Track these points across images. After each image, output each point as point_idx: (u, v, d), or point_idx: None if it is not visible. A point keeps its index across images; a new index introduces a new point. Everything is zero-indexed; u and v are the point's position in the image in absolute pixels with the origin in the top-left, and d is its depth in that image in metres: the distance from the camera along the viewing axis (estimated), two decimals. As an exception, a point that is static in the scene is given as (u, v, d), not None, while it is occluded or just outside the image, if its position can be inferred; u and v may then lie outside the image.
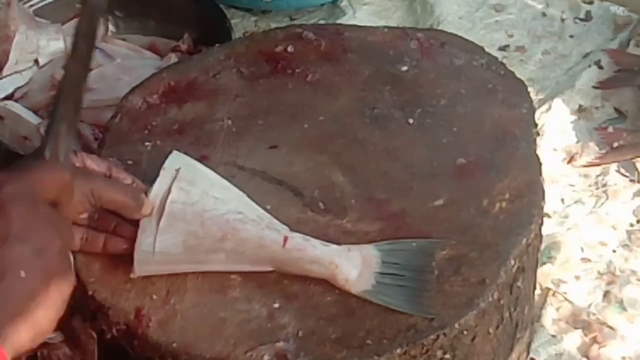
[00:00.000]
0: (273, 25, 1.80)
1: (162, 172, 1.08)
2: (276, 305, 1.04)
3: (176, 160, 1.09)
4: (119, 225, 1.06)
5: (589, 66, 1.72)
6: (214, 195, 1.06)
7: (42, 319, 0.85)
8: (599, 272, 1.44)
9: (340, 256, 1.06)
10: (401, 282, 1.05)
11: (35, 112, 1.58)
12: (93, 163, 1.07)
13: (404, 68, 1.32)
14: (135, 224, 1.05)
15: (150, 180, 1.09)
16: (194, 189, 1.06)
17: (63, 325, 0.94)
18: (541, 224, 1.18)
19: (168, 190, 1.05)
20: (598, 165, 1.58)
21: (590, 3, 1.87)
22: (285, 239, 1.05)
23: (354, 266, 1.05)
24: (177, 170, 1.07)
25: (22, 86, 1.64)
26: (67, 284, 0.88)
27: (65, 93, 1.02)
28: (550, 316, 1.37)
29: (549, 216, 1.48)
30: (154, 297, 1.05)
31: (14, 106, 1.57)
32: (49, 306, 0.86)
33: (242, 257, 1.05)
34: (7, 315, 0.80)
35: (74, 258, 1.04)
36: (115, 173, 1.08)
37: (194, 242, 1.04)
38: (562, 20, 1.84)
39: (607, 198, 1.53)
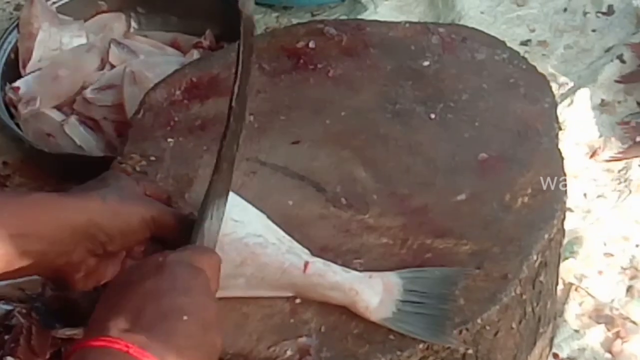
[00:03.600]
0: (294, 21, 1.80)
1: None
2: (298, 301, 1.05)
3: None
4: None
5: (612, 60, 1.72)
6: (233, 218, 1.03)
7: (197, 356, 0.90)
8: (621, 267, 1.43)
9: (361, 283, 1.04)
10: (422, 309, 1.03)
11: (59, 109, 1.59)
12: (154, 191, 1.08)
13: (426, 63, 1.32)
14: None
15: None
16: None
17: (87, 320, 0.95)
18: (563, 219, 1.18)
19: None
20: (621, 159, 1.57)
21: (613, -3, 1.86)
22: (306, 264, 1.04)
23: (375, 293, 1.04)
24: None
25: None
26: (218, 339, 0.91)
27: (217, 186, 1.02)
28: (573, 311, 1.37)
29: (571, 210, 1.47)
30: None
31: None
32: (204, 352, 0.89)
33: (262, 283, 1.04)
34: (169, 347, 0.85)
35: None
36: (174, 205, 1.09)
37: None
38: (584, 14, 1.84)
39: (630, 192, 1.52)
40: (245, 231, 1.03)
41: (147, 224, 1.01)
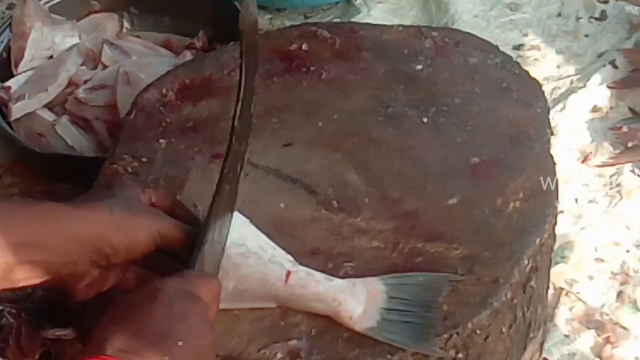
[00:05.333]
0: (288, 23, 1.80)
1: None
2: (288, 303, 1.05)
3: None
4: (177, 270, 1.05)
5: (604, 66, 1.72)
6: None
7: None
8: (612, 272, 1.43)
9: (344, 292, 1.03)
10: (407, 318, 1.03)
11: (50, 109, 1.59)
12: (159, 198, 1.06)
13: (419, 67, 1.32)
14: None
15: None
16: None
17: (76, 321, 0.95)
18: (555, 224, 1.18)
19: None
20: (612, 165, 1.58)
21: (606, 2, 1.86)
22: (288, 274, 1.03)
23: (358, 302, 1.03)
24: None
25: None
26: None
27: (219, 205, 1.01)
28: (563, 316, 1.37)
29: (562, 214, 1.47)
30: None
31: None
32: None
33: (245, 294, 1.03)
34: None
35: None
36: (179, 210, 1.07)
37: None
38: (577, 19, 1.84)
39: (621, 198, 1.53)
40: (229, 240, 1.03)
41: (153, 238, 1.00)
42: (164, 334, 0.88)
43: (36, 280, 0.96)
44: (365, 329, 1.02)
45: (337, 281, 1.04)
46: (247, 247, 1.03)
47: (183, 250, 1.01)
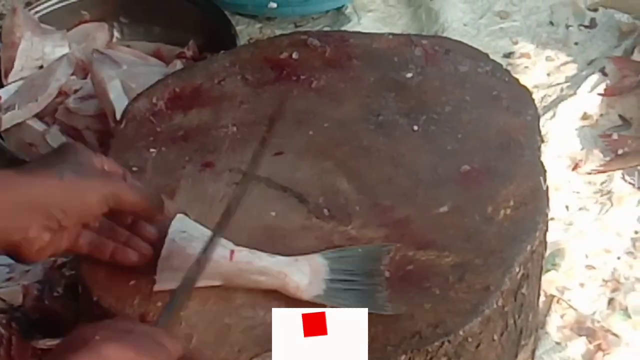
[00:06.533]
0: (278, 32, 1.80)
1: None
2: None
3: None
4: (130, 239, 1.08)
5: (594, 73, 1.72)
6: None
7: None
8: (603, 280, 1.43)
9: (288, 266, 1.05)
10: (351, 286, 1.06)
11: (40, 118, 1.58)
12: (111, 166, 1.07)
13: (409, 75, 1.32)
14: (146, 238, 1.08)
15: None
16: None
17: (67, 331, 0.94)
18: (546, 231, 1.18)
19: None
20: (603, 172, 1.58)
21: (595, 10, 1.87)
22: (232, 252, 1.05)
23: (303, 274, 1.05)
24: None
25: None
26: None
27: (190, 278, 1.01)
28: (554, 323, 1.37)
29: (553, 221, 1.47)
30: (159, 303, 1.05)
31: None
32: None
33: None
34: None
35: (81, 261, 1.07)
36: (130, 180, 1.08)
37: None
38: (567, 27, 1.84)
39: (612, 205, 1.53)
40: (171, 229, 1.06)
41: (105, 200, 1.02)
42: None
43: None
44: (313, 296, 1.04)
45: (280, 257, 1.06)
46: (189, 234, 1.06)
47: (138, 213, 1.05)
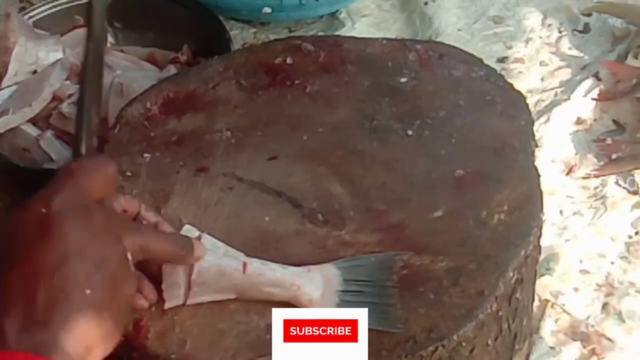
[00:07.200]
0: (272, 37, 1.80)
1: None
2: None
3: None
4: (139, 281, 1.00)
5: (588, 78, 1.72)
6: None
7: (112, 328, 0.84)
8: (597, 284, 1.43)
9: (301, 277, 1.05)
10: (364, 298, 1.05)
11: (34, 124, 1.58)
12: (129, 205, 1.02)
13: (403, 80, 1.32)
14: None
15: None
16: None
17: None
18: (540, 236, 1.18)
19: None
20: (597, 177, 1.58)
21: (589, 15, 1.87)
22: (244, 264, 1.04)
23: (316, 286, 1.04)
24: None
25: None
26: (131, 286, 0.86)
27: (87, 81, 0.97)
28: (548, 328, 1.37)
29: (546, 224, 1.47)
30: (153, 308, 1.04)
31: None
32: (118, 315, 0.85)
33: (204, 288, 1.04)
34: (79, 338, 0.79)
35: None
36: (144, 211, 1.03)
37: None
38: (561, 32, 1.84)
39: (606, 210, 1.53)
40: None
41: (135, 254, 0.93)
42: (66, 286, 0.78)
43: None
44: None
45: (292, 268, 1.06)
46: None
47: (173, 260, 1.00)
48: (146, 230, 1.00)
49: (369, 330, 1.01)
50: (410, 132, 1.25)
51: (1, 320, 0.77)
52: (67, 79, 1.63)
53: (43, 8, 1.75)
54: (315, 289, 1.04)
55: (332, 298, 1.04)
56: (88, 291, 0.80)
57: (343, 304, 1.04)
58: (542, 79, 1.76)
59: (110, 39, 1.77)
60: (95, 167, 0.90)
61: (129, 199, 1.05)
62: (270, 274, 1.04)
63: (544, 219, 1.18)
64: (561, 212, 1.53)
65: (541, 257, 1.27)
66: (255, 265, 1.04)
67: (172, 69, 1.64)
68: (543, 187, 1.19)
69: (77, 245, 0.81)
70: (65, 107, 1.56)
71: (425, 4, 1.90)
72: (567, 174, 1.59)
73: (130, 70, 1.66)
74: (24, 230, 0.81)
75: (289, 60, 1.36)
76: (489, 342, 1.08)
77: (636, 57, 1.75)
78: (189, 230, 1.05)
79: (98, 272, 0.82)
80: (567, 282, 1.43)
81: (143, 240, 0.95)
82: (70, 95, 1.59)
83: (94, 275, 0.81)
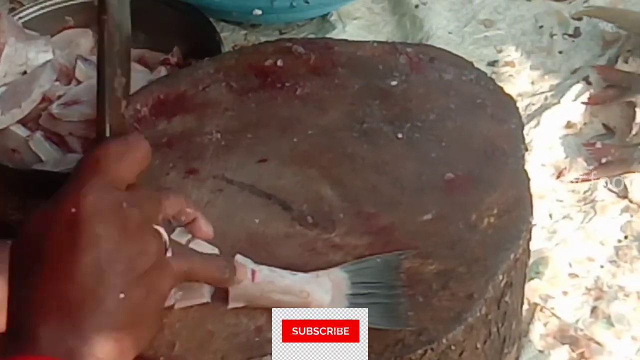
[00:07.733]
0: (263, 39, 1.80)
1: None
2: (264, 319, 1.04)
3: None
4: None
5: (578, 82, 1.73)
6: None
7: (145, 331, 0.83)
8: (586, 288, 1.44)
9: (310, 283, 1.04)
10: (373, 299, 1.04)
11: (23, 124, 1.58)
12: (173, 207, 0.98)
13: (393, 83, 1.32)
14: None
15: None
16: None
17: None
18: (529, 239, 1.18)
19: None
20: (586, 180, 1.58)
21: (579, 19, 1.87)
22: (254, 272, 1.03)
23: (325, 292, 1.04)
24: None
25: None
26: (165, 285, 0.83)
27: (106, 52, 0.89)
28: (537, 331, 1.37)
29: (536, 228, 1.47)
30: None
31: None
32: (151, 316, 0.83)
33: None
34: (112, 344, 0.77)
35: None
36: (187, 208, 0.99)
37: None
38: (551, 36, 1.85)
39: (595, 214, 1.53)
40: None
41: (180, 279, 0.91)
42: (98, 291, 0.76)
43: None
44: None
45: (301, 274, 1.05)
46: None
47: (216, 284, 1.00)
48: (192, 256, 0.95)
49: (379, 330, 1.01)
50: (400, 135, 1.25)
51: (35, 326, 0.75)
52: (56, 80, 1.63)
53: (33, 9, 1.75)
54: (324, 295, 1.04)
55: (341, 302, 1.04)
56: (122, 295, 0.78)
57: (353, 307, 1.03)
58: (533, 83, 1.76)
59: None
60: (123, 150, 0.84)
61: (174, 200, 0.99)
62: (280, 281, 1.03)
63: (533, 222, 1.18)
64: (551, 215, 1.54)
65: (530, 261, 1.27)
66: (264, 272, 1.03)
67: (162, 71, 1.64)
68: (533, 190, 1.19)
69: (110, 247, 0.78)
70: (55, 108, 1.56)
71: (416, 7, 1.90)
72: (557, 177, 1.59)
73: (120, 71, 1.65)
74: (53, 232, 0.77)
75: (279, 63, 1.36)
76: (478, 345, 1.08)
77: (626, 62, 1.75)
78: (244, 262, 1.03)
79: (131, 274, 0.79)
80: (556, 286, 1.43)
81: (189, 266, 0.92)
82: (60, 97, 1.58)
83: (127, 278, 0.79)
